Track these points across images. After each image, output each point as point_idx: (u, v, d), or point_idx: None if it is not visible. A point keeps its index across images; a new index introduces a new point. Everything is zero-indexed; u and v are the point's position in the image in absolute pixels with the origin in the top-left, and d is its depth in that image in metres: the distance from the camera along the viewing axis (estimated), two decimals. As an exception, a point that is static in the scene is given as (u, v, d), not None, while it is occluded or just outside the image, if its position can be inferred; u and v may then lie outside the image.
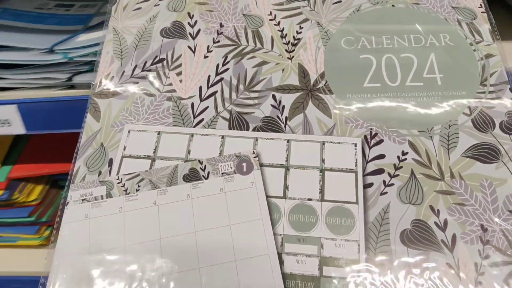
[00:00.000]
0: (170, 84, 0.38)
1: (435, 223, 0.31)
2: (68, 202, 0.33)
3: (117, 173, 0.34)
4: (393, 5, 0.41)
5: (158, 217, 0.32)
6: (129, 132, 0.36)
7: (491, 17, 0.39)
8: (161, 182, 0.33)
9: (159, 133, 0.36)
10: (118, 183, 0.34)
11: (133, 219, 0.32)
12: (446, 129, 0.34)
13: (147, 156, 0.35)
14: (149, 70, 0.39)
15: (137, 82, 0.38)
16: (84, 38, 0.44)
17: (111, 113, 0.37)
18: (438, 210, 0.31)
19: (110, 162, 0.35)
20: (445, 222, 0.31)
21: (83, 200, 0.33)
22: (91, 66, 0.42)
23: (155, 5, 0.43)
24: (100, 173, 0.34)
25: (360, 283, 0.29)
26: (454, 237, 0.30)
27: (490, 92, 0.36)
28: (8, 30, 0.44)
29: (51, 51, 0.43)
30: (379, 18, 0.40)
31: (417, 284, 0.29)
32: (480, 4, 0.40)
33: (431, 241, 0.30)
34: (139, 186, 0.33)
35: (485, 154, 0.33)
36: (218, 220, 0.32)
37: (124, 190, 0.33)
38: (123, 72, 0.39)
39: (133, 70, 0.39)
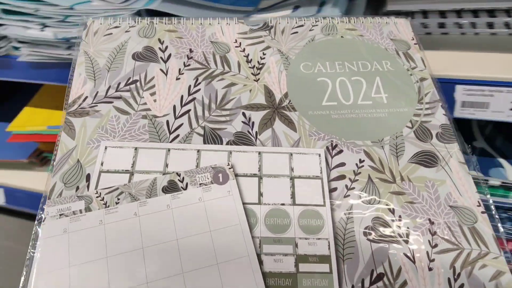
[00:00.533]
0: (145, 104, 0.40)
1: (392, 220, 0.35)
2: (44, 218, 0.33)
3: (95, 188, 0.35)
4: (342, 37, 0.47)
5: (140, 228, 0.33)
6: (105, 148, 0.37)
7: (421, 47, 0.47)
8: (140, 195, 0.35)
9: (136, 148, 0.37)
10: (97, 197, 0.34)
11: (115, 231, 0.33)
12: (393, 139, 0.40)
13: (125, 170, 0.36)
14: (123, 91, 0.41)
15: (112, 102, 0.40)
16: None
17: (86, 131, 0.38)
18: (393, 208, 0.36)
19: (88, 178, 0.35)
20: (400, 218, 0.35)
21: (60, 215, 0.33)
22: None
23: (125, 31, 0.45)
24: (77, 188, 0.35)
25: (331, 276, 0.32)
26: (408, 230, 0.35)
27: (426, 109, 0.42)
28: (185, 4, 0.48)
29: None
30: (331, 47, 0.46)
31: (381, 274, 0.33)
32: (412, 37, 0.48)
33: (390, 235, 0.34)
34: (118, 199, 0.34)
35: (427, 159, 0.39)
36: (199, 227, 0.33)
37: (103, 204, 0.34)
38: (97, 92, 0.40)
39: (107, 90, 0.40)
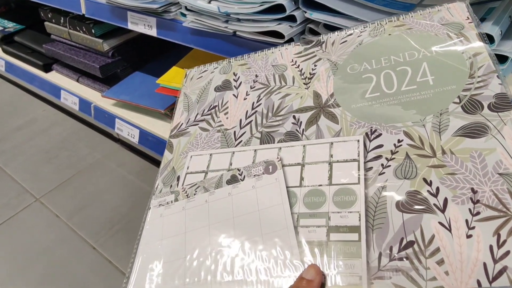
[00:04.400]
0: (220, 121, 0.51)
1: (428, 191, 0.35)
2: (150, 208, 0.46)
3: (182, 185, 0.47)
4: (389, 34, 0.50)
5: (208, 211, 0.43)
6: (191, 157, 0.49)
7: (479, 24, 0.45)
8: (211, 187, 0.45)
9: (211, 154, 0.48)
10: (182, 191, 0.46)
11: (191, 214, 0.43)
12: (437, 117, 0.40)
13: (202, 171, 0.47)
14: (206, 115, 0.53)
15: (198, 124, 0.53)
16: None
17: (180, 147, 0.51)
18: (430, 181, 0.36)
19: (178, 178, 0.48)
20: (437, 189, 0.35)
21: (159, 205, 0.46)
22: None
23: (211, 72, 0.59)
24: (171, 186, 0.47)
25: (359, 244, 0.34)
26: (445, 200, 0.34)
27: (478, 82, 0.41)
28: (345, 0, 0.52)
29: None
30: (377, 46, 0.49)
31: (411, 242, 0.33)
32: (467, 17, 0.46)
33: (424, 206, 0.35)
34: (196, 191, 0.45)
35: (474, 131, 0.37)
36: (250, 207, 0.41)
37: (186, 195, 0.45)
38: (189, 119, 0.54)
39: (195, 117, 0.54)
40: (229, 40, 0.62)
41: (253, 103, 0.51)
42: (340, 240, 0.36)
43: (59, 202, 1.23)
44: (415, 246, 0.33)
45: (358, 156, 0.40)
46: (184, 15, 0.66)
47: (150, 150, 0.88)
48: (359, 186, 0.38)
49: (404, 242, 0.34)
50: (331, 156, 0.41)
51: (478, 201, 0.33)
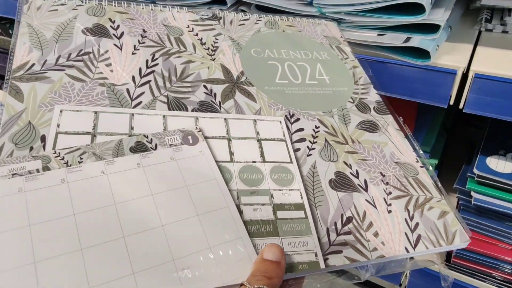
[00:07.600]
0: (101, 73, 0.38)
1: (350, 173, 0.39)
2: (-7, 178, 0.28)
3: (53, 148, 0.31)
4: (283, 31, 0.52)
5: (109, 185, 0.30)
6: (61, 111, 0.34)
7: (347, 44, 0.54)
8: (106, 154, 0.32)
9: (96, 112, 0.35)
10: (56, 156, 0.31)
11: (80, 188, 0.30)
12: (340, 111, 0.44)
13: (87, 132, 0.33)
14: (75, 61, 0.38)
15: (63, 70, 0.37)
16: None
17: (37, 95, 0.34)
18: (350, 164, 0.39)
19: (43, 138, 0.32)
20: (357, 172, 0.39)
21: (13, 174, 0.29)
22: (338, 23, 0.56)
23: (73, 9, 0.43)
24: (31, 148, 0.31)
25: (307, 221, 0.33)
26: (365, 181, 0.38)
27: (362, 89, 0.48)
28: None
29: (309, 3, 0.55)
30: (275, 38, 0.50)
31: (350, 218, 0.35)
32: (341, 36, 0.55)
33: (351, 185, 0.37)
34: (81, 158, 0.31)
35: (370, 126, 0.44)
36: (174, 183, 0.32)
37: (64, 163, 0.31)
38: (45, 60, 0.37)
39: (57, 59, 0.38)
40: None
41: (147, 60, 0.41)
42: (288, 217, 0.33)
43: None
44: (354, 221, 0.35)
45: (284, 136, 0.39)
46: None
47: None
48: (293, 165, 0.37)
49: (345, 218, 0.35)
50: (258, 133, 0.38)
51: (387, 183, 0.39)
